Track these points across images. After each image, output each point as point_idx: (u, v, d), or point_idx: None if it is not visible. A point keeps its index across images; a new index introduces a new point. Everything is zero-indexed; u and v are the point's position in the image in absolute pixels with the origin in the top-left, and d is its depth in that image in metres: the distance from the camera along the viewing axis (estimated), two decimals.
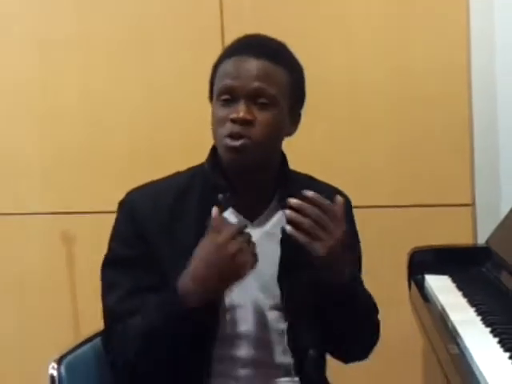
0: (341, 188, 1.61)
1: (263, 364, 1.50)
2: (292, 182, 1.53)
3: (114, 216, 1.54)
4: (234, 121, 1.41)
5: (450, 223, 2.29)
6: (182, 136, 2.47)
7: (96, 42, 2.53)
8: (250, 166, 1.44)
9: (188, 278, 1.37)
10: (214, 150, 1.51)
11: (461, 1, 2.27)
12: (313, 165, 2.12)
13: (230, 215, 1.48)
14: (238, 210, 1.49)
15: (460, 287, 1.79)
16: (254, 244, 1.37)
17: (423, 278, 1.92)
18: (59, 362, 1.46)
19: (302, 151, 2.38)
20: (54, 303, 2.60)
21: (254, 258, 1.36)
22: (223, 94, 1.44)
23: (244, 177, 1.48)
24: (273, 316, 1.49)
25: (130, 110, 2.53)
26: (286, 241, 1.47)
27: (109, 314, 1.47)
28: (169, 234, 1.46)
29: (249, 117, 1.41)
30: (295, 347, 1.49)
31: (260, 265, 1.40)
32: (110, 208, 1.66)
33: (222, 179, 1.48)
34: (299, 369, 1.50)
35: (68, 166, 2.60)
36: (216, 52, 1.53)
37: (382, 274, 2.35)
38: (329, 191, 1.56)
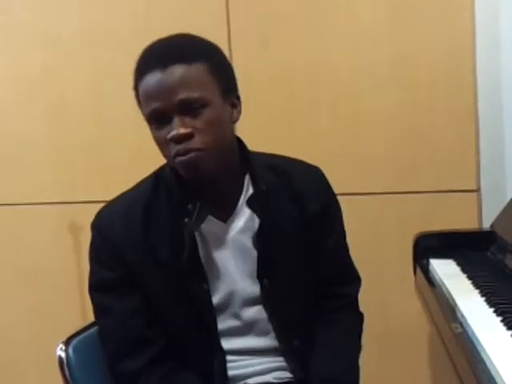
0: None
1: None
2: (257, 175, 1.52)
3: None
4: (173, 140, 1.38)
5: (456, 209, 2.29)
6: None
7: (102, 34, 2.55)
8: (209, 173, 1.42)
9: None
10: None
11: None
12: (315, 152, 2.14)
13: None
14: (210, 213, 1.49)
15: (465, 270, 1.79)
16: None
17: (428, 263, 1.92)
18: (67, 343, 1.48)
19: (304, 138, 2.40)
20: (63, 290, 2.64)
21: None
22: (153, 120, 1.41)
23: (207, 183, 1.47)
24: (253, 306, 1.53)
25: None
26: (260, 235, 1.50)
27: (105, 337, 1.51)
28: (144, 250, 1.47)
29: (186, 131, 1.37)
30: (281, 335, 1.54)
31: (241, 259, 1.49)
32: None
33: (187, 191, 1.47)
34: (286, 353, 1.56)
35: (75, 157, 2.62)
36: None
37: (388, 260, 2.36)
38: (299, 169, 1.59)
